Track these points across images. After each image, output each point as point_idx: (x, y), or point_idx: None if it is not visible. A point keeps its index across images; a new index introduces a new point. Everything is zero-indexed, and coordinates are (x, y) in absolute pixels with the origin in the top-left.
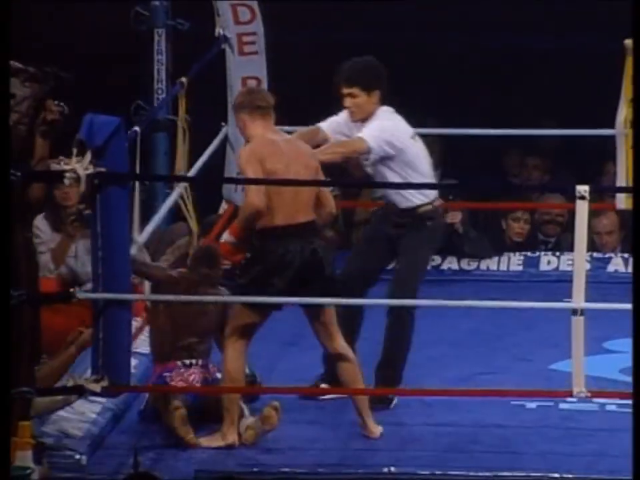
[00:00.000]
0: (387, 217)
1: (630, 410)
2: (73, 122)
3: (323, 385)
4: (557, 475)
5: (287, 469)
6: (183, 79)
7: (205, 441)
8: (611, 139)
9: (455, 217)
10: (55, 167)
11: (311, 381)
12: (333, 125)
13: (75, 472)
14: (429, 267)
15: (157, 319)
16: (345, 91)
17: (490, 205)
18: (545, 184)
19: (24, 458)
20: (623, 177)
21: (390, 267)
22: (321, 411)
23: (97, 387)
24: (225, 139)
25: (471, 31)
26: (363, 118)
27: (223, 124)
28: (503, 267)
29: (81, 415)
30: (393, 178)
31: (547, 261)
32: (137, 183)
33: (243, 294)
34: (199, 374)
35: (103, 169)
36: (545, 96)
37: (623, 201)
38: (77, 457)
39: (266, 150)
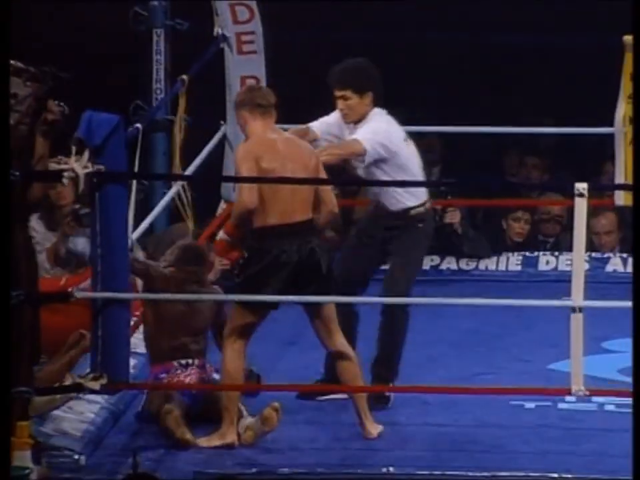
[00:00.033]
0: (378, 219)
1: (629, 410)
2: (72, 121)
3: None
4: (555, 475)
5: (286, 469)
6: (184, 77)
7: (204, 441)
8: (610, 138)
9: (454, 217)
10: (53, 166)
11: (310, 381)
12: (323, 126)
13: (73, 472)
14: (423, 268)
15: (149, 318)
16: (338, 93)
17: (489, 203)
18: (544, 182)
19: (23, 458)
20: (621, 175)
21: (383, 268)
22: (320, 412)
23: (95, 385)
24: (224, 138)
25: (471, 31)
26: (355, 120)
27: (222, 123)
28: (502, 267)
29: (80, 415)
30: (385, 179)
31: (546, 261)
32: (134, 181)
33: (240, 293)
34: (195, 375)
35: (101, 168)
36: (544, 96)
37: (621, 197)
38: (76, 456)
39: (262, 148)
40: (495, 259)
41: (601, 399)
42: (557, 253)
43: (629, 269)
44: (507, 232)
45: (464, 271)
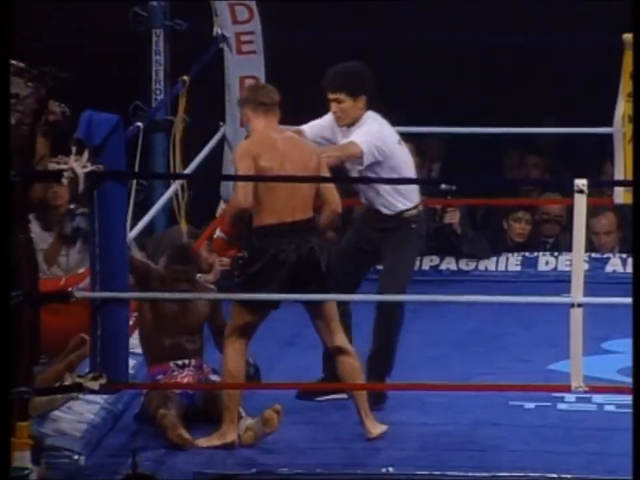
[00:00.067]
0: (371, 221)
1: (628, 410)
2: (72, 121)
3: None
4: (555, 475)
5: (285, 470)
6: (185, 77)
7: (204, 441)
8: (609, 138)
9: (453, 217)
10: (53, 166)
11: (310, 381)
12: (315, 129)
13: (73, 472)
14: (423, 268)
15: (147, 318)
16: (331, 96)
17: (489, 202)
18: (544, 180)
19: (22, 458)
20: (621, 174)
21: (377, 268)
22: (320, 412)
23: (95, 385)
24: (223, 138)
25: (471, 31)
26: (348, 123)
27: (221, 123)
28: (501, 267)
29: (79, 416)
30: (379, 184)
31: (545, 261)
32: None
33: (240, 293)
34: (192, 376)
35: (101, 167)
36: (544, 96)
37: (620, 196)
38: (75, 457)
39: (261, 147)
40: (494, 259)
41: (600, 400)
42: (556, 254)
43: (629, 269)
44: (507, 232)
45: (463, 271)
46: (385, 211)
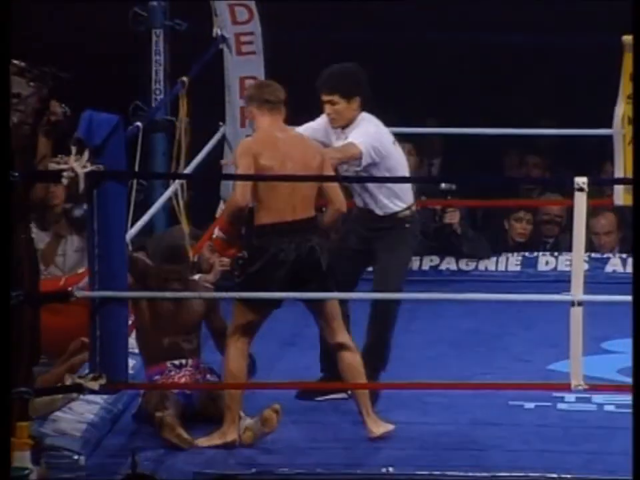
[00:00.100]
0: (364, 222)
1: (628, 410)
2: (72, 121)
3: None
4: (555, 475)
5: (285, 470)
6: (184, 78)
7: (205, 441)
8: (609, 139)
9: (453, 217)
10: (53, 166)
11: (310, 381)
12: (308, 131)
13: (72, 472)
14: (422, 268)
15: (145, 318)
16: (325, 98)
17: (489, 204)
18: (544, 178)
19: (22, 458)
20: (620, 175)
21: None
22: (320, 412)
23: (95, 385)
24: (223, 139)
25: (470, 31)
26: (342, 125)
27: (221, 124)
28: (501, 267)
29: (79, 416)
30: (375, 185)
31: (545, 262)
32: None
33: (240, 292)
34: (189, 376)
35: (101, 167)
36: (544, 96)
37: (620, 197)
38: (75, 457)
39: (262, 145)
40: (494, 259)
41: (600, 399)
42: (556, 253)
43: (629, 269)
44: (509, 232)
45: (463, 271)
46: (378, 212)
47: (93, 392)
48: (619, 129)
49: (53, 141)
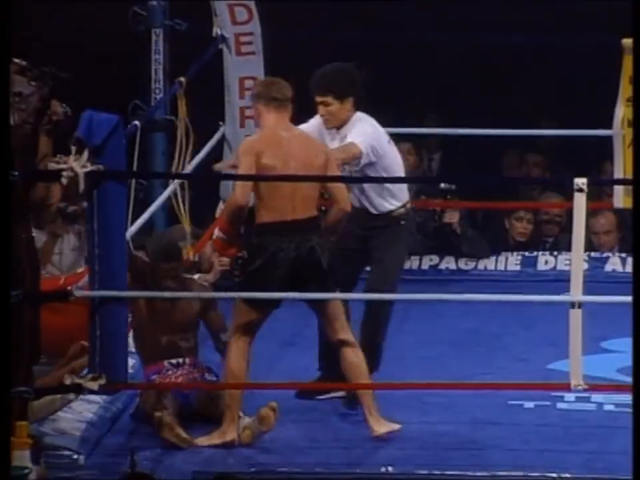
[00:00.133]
0: (359, 221)
1: (628, 410)
2: (72, 121)
3: None
4: (554, 475)
5: (284, 469)
6: (182, 79)
7: (204, 440)
8: (609, 139)
9: (452, 217)
10: (52, 165)
11: (310, 381)
12: None
13: (72, 471)
14: (422, 267)
15: (143, 318)
16: (318, 99)
17: (488, 205)
18: (544, 178)
19: (22, 458)
20: (620, 177)
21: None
22: (319, 411)
23: (94, 385)
24: (223, 139)
25: (471, 31)
26: (337, 125)
27: (221, 123)
28: (501, 267)
29: (79, 415)
30: (369, 184)
31: (545, 261)
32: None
33: (241, 291)
34: (186, 375)
35: (101, 167)
36: (544, 96)
37: (620, 200)
38: (75, 456)
39: (265, 144)
40: (493, 258)
41: (600, 399)
42: (555, 253)
43: (628, 268)
44: (509, 231)
45: (463, 270)
46: (373, 210)
47: (92, 392)
48: (619, 131)
49: (53, 140)
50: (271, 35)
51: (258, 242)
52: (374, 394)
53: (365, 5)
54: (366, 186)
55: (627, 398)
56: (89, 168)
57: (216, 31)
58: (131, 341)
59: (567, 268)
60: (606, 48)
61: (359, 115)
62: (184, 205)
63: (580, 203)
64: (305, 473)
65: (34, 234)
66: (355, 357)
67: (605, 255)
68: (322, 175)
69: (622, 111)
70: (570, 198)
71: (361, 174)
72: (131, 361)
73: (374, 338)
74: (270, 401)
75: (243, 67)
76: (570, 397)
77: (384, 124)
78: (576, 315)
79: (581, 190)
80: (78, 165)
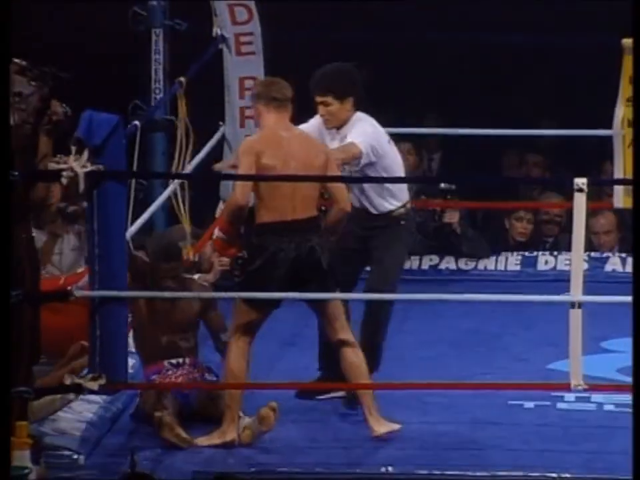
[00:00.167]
0: (359, 221)
1: (628, 410)
2: (72, 121)
3: None
4: (554, 475)
5: (284, 469)
6: (182, 79)
7: (204, 440)
8: (609, 139)
9: (452, 217)
10: (52, 165)
11: (309, 381)
12: None
13: (72, 471)
14: (422, 267)
15: (143, 318)
16: (318, 99)
17: (488, 205)
18: (543, 179)
19: (21, 458)
20: (620, 177)
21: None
22: (319, 411)
23: (94, 385)
24: (222, 139)
25: (471, 31)
26: (337, 125)
27: (221, 123)
28: (501, 267)
29: (79, 415)
30: (369, 184)
31: (545, 261)
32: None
33: (241, 291)
34: (186, 375)
35: (101, 167)
36: (544, 96)
37: (620, 200)
38: (75, 456)
39: (265, 144)
40: (493, 258)
41: (600, 399)
42: (555, 253)
43: (628, 268)
44: (509, 231)
45: (463, 270)
46: (373, 210)
47: (92, 392)
48: (619, 131)
49: (53, 140)
50: (271, 35)
51: (258, 242)
52: (374, 394)
53: (365, 5)
54: (366, 186)
55: (627, 398)
56: (89, 168)
57: (216, 31)
58: (131, 341)
59: (567, 268)
60: (606, 48)
61: (359, 115)
62: (184, 204)
63: (580, 202)
64: (305, 473)
65: (34, 234)
66: (355, 357)
67: (604, 254)
68: (322, 175)
69: (622, 111)
70: (570, 198)
71: (361, 174)
72: (131, 361)
73: (374, 338)
74: (270, 401)
75: (243, 67)
76: (570, 397)
77: (384, 124)
78: (576, 315)
79: (580, 190)
80: (78, 165)
